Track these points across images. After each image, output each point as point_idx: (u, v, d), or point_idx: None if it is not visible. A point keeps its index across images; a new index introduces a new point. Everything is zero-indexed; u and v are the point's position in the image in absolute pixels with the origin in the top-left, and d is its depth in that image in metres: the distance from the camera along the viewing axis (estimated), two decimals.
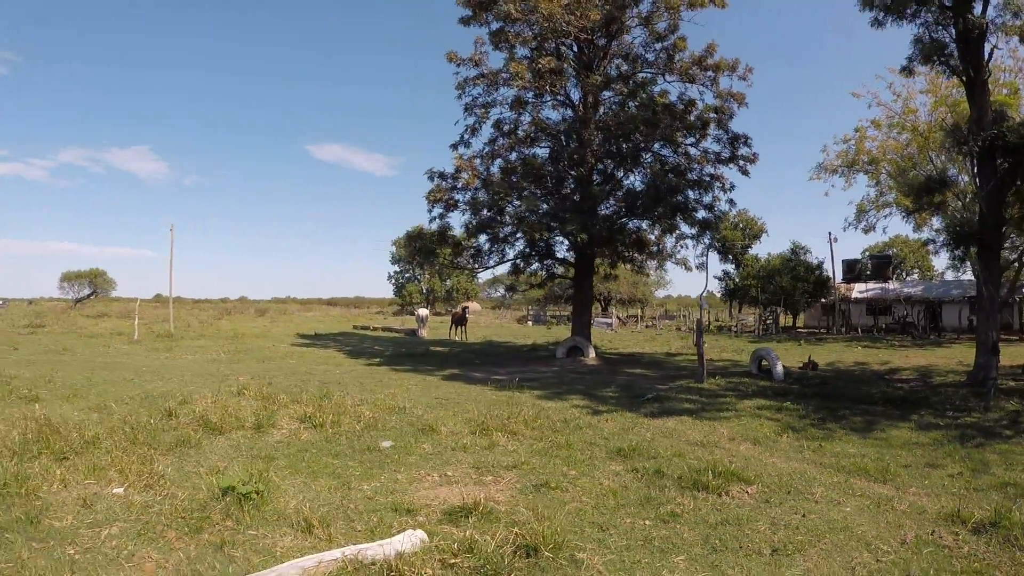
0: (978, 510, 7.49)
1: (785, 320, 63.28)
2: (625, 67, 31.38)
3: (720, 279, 66.73)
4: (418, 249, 33.88)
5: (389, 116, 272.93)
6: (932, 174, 29.11)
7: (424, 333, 47.84)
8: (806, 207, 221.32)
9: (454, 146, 32.11)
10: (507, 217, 30.37)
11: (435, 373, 22.43)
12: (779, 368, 21.22)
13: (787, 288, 55.28)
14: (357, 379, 19.27)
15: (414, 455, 9.60)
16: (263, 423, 11.01)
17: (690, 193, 30.10)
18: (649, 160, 30.59)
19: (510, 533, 6.17)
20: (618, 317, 66.42)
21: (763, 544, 6.52)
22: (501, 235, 30.69)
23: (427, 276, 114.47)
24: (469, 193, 30.60)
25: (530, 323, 69.72)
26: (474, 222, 30.79)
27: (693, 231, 31.01)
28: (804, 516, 7.41)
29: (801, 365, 24.25)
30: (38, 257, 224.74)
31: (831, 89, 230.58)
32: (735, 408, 15.42)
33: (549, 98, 31.10)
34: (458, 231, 32.85)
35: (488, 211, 30.04)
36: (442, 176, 31.52)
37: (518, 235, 30.82)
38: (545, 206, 29.01)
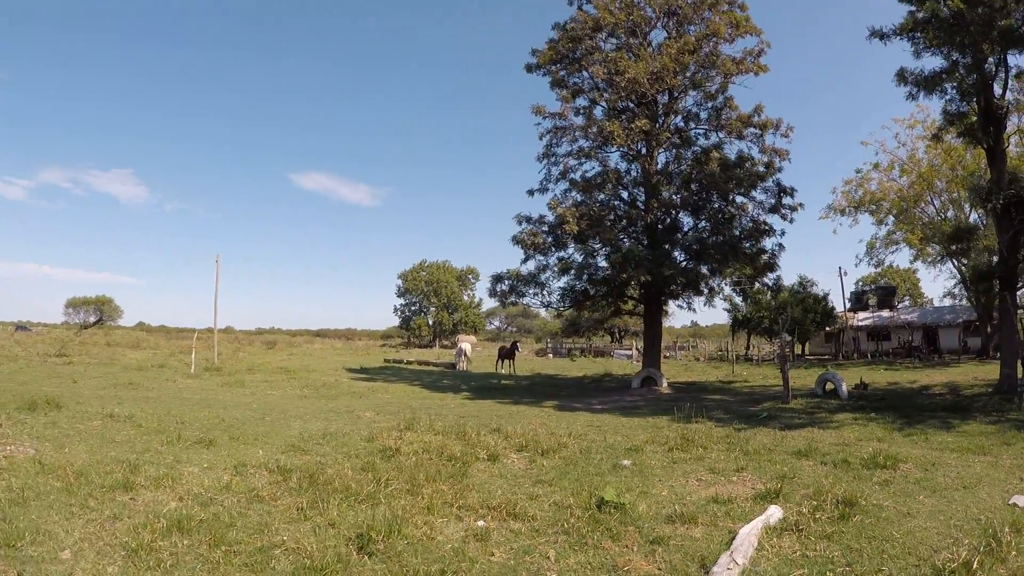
0: None
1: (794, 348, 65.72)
2: (680, 124, 35.04)
3: (729, 311, 68.82)
4: (509, 289, 35.55)
5: (374, 146, 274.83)
6: (960, 223, 32.91)
7: (463, 366, 48.83)
8: (810, 242, 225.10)
9: (531, 192, 35.68)
10: (599, 259, 33.09)
11: (540, 405, 24.36)
12: (843, 389, 24.54)
13: (798, 318, 57.62)
14: (472, 413, 20.42)
15: (649, 470, 11.39)
16: (496, 454, 12.08)
17: (744, 242, 33.22)
18: (715, 208, 33.61)
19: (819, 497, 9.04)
20: (637, 349, 68.24)
21: (954, 488, 9.93)
22: (598, 277, 32.93)
23: (434, 310, 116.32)
24: (566, 237, 32.82)
25: (550, 355, 70.85)
26: (576, 262, 33.51)
27: (749, 273, 33.93)
28: (957, 474, 10.84)
29: (854, 386, 26.78)
30: (14, 279, 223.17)
31: (835, 132, 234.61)
32: (835, 420, 18.52)
33: (614, 150, 34.29)
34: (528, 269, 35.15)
35: (590, 257, 32.97)
36: (529, 220, 34.49)
37: (605, 275, 33.01)
38: (622, 251, 31.40)
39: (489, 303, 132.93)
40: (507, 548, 7.31)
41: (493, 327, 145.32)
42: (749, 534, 7.30)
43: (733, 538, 7.34)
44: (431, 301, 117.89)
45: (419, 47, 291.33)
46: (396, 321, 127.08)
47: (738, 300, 38.51)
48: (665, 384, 31.19)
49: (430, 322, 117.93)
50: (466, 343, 54.86)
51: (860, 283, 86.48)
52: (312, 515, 8.05)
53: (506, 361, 46.65)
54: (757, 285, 36.98)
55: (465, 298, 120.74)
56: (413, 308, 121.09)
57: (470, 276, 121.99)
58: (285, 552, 6.89)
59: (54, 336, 77.13)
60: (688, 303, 36.42)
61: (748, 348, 68.27)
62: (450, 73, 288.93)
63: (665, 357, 62.55)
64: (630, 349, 66.17)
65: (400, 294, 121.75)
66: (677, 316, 56.99)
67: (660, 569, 6.75)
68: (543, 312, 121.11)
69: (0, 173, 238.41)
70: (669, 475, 10.91)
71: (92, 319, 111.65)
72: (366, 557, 6.84)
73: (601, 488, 9.37)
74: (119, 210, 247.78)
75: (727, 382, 35.20)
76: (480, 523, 8.05)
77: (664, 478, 10.65)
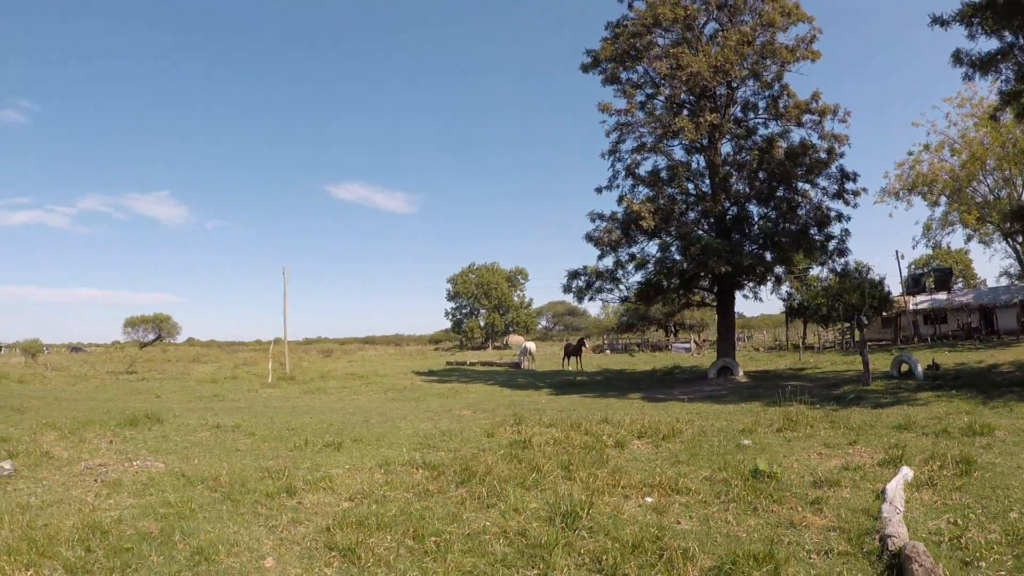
0: None
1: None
2: (739, 114, 35.72)
3: (784, 299, 68.60)
4: (586, 285, 36.25)
5: (407, 154, 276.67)
6: (1017, 201, 33.53)
7: (527, 365, 49.85)
8: (865, 227, 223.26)
9: (599, 189, 36.72)
10: (672, 253, 33.90)
11: (626, 397, 25.21)
12: (919, 370, 25.33)
13: (857, 304, 57.50)
14: (567, 407, 20.88)
15: (769, 447, 12.08)
16: (621, 442, 12.66)
17: (811, 229, 33.86)
18: (780, 196, 34.31)
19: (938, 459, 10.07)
20: (695, 342, 68.87)
21: None
22: (674, 270, 33.57)
23: (485, 312, 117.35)
24: (636, 232, 33.97)
25: (608, 352, 71.50)
26: (652, 256, 34.53)
27: (821, 259, 34.55)
28: None
29: (927, 367, 27.52)
30: (64, 304, 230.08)
31: (882, 114, 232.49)
32: (919, 398, 19.40)
33: (677, 143, 35.14)
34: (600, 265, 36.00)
35: (664, 251, 33.79)
36: (601, 217, 35.44)
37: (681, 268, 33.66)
38: (700, 243, 31.88)
39: (539, 303, 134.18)
40: (688, 517, 7.89)
41: (540, 327, 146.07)
42: (896, 488, 8.15)
43: (883, 492, 8.19)
44: (481, 303, 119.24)
45: (443, 54, 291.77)
46: (446, 325, 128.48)
47: (790, 289, 38.92)
48: (741, 373, 31.88)
49: (481, 324, 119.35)
50: (530, 342, 55.79)
51: (913, 266, 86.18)
52: (493, 502, 8.51)
53: (572, 358, 47.39)
54: (814, 272, 37.52)
55: (515, 299, 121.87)
56: (464, 311, 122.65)
57: (519, 277, 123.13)
58: (494, 536, 7.28)
59: (110, 355, 79.11)
60: (755, 292, 37.02)
61: (805, 336, 68.30)
62: (474, 79, 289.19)
63: None
64: (687, 342, 66.82)
65: (450, 297, 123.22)
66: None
67: (833, 521, 7.52)
68: (598, 310, 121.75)
69: (41, 202, 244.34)
70: (790, 451, 11.63)
71: (151, 337, 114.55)
72: (573, 532, 7.27)
73: (744, 463, 10.21)
74: (161, 231, 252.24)
75: (798, 369, 35.86)
76: (648, 499, 8.63)
77: (787, 453, 11.35)
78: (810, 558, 6.52)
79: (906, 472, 9.12)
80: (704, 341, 73.41)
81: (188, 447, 13.33)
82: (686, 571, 6.10)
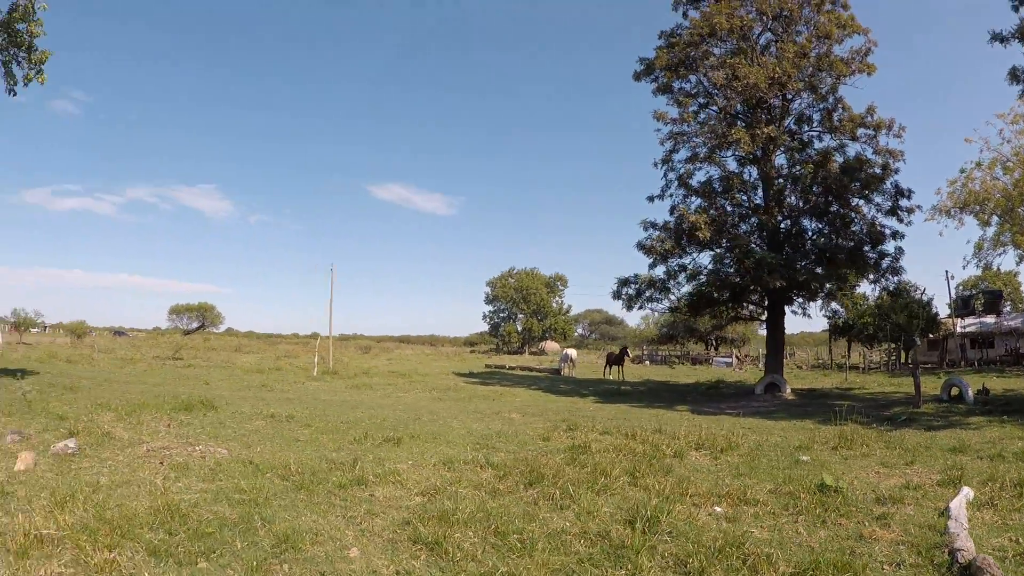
0: None
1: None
2: (793, 126, 35.76)
3: (829, 317, 68.16)
4: (636, 294, 36.44)
5: (447, 156, 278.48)
6: None
7: (568, 372, 50.07)
8: (912, 245, 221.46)
9: (651, 198, 36.95)
10: (727, 265, 33.96)
11: (673, 409, 25.47)
12: (970, 394, 25.15)
13: (905, 325, 57.13)
14: (616, 416, 21.06)
15: (827, 464, 12.15)
16: (680, 452, 12.82)
17: (864, 245, 33.74)
18: (834, 212, 34.24)
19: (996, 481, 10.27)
20: (737, 357, 68.73)
21: None
22: (731, 283, 33.73)
23: (523, 317, 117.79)
24: (686, 242, 34.20)
25: (647, 363, 71.63)
26: (706, 268, 34.72)
27: (872, 276, 34.47)
28: None
29: (977, 392, 27.52)
30: (108, 289, 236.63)
31: (938, 130, 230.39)
32: (971, 422, 19.30)
33: (730, 153, 35.33)
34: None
35: (719, 262, 33.93)
36: (654, 225, 35.68)
37: (733, 281, 33.83)
38: (755, 256, 31.89)
39: (576, 310, 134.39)
40: (759, 527, 8.04)
41: (576, 334, 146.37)
42: (960, 506, 8.38)
43: (947, 509, 8.38)
44: (520, 308, 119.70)
45: (486, 58, 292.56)
46: (482, 327, 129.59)
47: (839, 307, 38.97)
48: (788, 390, 31.85)
49: (519, 328, 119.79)
50: (571, 349, 56.03)
51: (961, 287, 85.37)
52: (567, 504, 8.72)
53: (614, 367, 47.57)
54: (860, 290, 37.38)
55: (554, 305, 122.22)
56: (502, 315, 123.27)
57: (558, 283, 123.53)
58: (575, 536, 7.46)
59: (155, 340, 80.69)
60: (803, 309, 36.86)
61: (849, 356, 67.75)
62: (517, 85, 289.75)
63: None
64: (729, 356, 66.73)
65: (488, 301, 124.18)
66: (763, 326, 56.29)
67: (901, 535, 7.74)
68: (638, 320, 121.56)
69: (90, 190, 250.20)
70: (848, 468, 11.77)
71: (194, 325, 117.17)
72: (654, 536, 7.44)
73: (807, 478, 10.38)
74: (205, 223, 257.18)
75: (845, 389, 35.72)
76: (717, 508, 8.78)
77: (846, 471, 11.46)
78: (883, 568, 6.77)
79: (967, 492, 9.39)
80: (746, 356, 73.13)
81: (246, 435, 13.73)
82: (768, 575, 6.40)
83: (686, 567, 6.63)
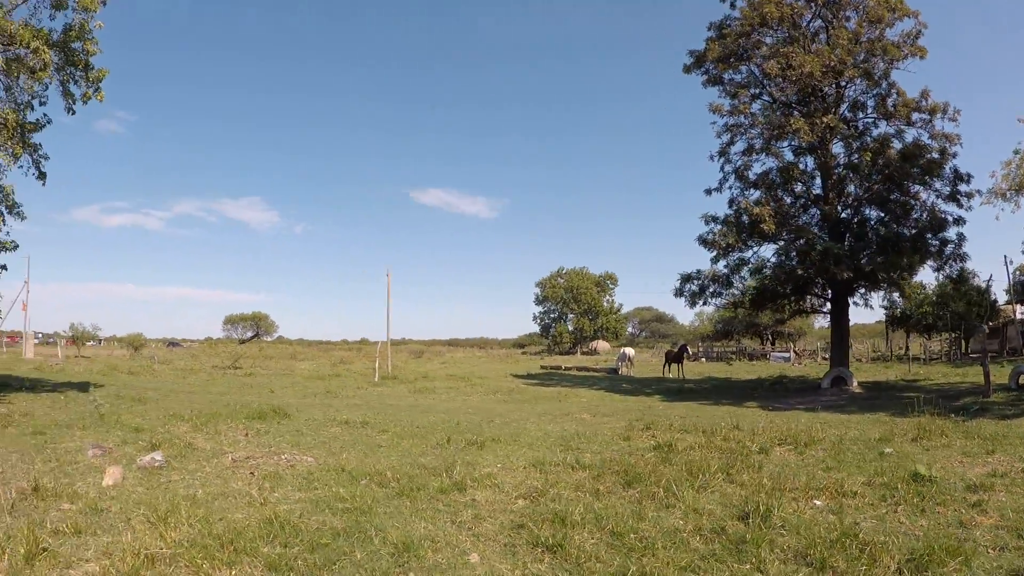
0: None
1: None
2: (848, 113, 35.54)
3: (886, 308, 67.11)
4: (699, 290, 36.70)
5: (487, 159, 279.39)
6: None
7: (626, 371, 50.23)
8: (970, 231, 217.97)
9: (708, 191, 37.22)
10: (791, 258, 34.07)
11: (743, 405, 25.63)
12: None
13: (964, 313, 56.24)
14: (687, 414, 21.38)
15: (910, 455, 12.33)
16: (764, 448, 13.07)
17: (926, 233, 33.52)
18: (894, 199, 34.07)
19: None
20: (795, 351, 68.40)
21: None
22: (796, 275, 33.88)
23: (573, 316, 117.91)
24: (746, 236, 34.33)
25: (703, 359, 71.46)
26: (772, 262, 34.99)
27: (935, 264, 34.15)
28: None
29: None
30: (158, 301, 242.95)
31: (992, 111, 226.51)
32: None
33: (786, 144, 35.33)
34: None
35: (784, 255, 34.18)
36: (715, 219, 35.83)
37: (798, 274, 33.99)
38: (820, 247, 31.83)
39: (626, 308, 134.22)
40: (863, 518, 8.29)
41: (627, 333, 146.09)
42: None
43: None
44: (570, 308, 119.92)
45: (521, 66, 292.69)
46: (530, 328, 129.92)
47: (898, 297, 38.57)
48: (855, 383, 31.78)
49: (570, 328, 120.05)
50: (629, 348, 56.12)
51: (1018, 272, 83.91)
52: (671, 503, 8.93)
53: (673, 365, 47.64)
54: (917, 279, 37.07)
55: (604, 304, 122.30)
56: (552, 315, 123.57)
57: (608, 282, 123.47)
58: (690, 534, 7.66)
59: (212, 350, 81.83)
60: (866, 300, 36.78)
61: (908, 347, 66.83)
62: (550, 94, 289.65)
63: (823, 359, 62.42)
64: (786, 351, 66.46)
65: (538, 301, 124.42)
66: (818, 318, 55.74)
67: (999, 521, 8.02)
68: (692, 316, 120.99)
69: (139, 206, 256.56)
70: (932, 458, 11.94)
71: (248, 334, 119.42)
72: (769, 530, 7.67)
73: (898, 469, 10.68)
74: (251, 234, 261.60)
75: (911, 380, 35.50)
76: (817, 502, 9.00)
77: (930, 461, 11.58)
78: (988, 552, 7.08)
79: None
80: (803, 351, 72.63)
81: (326, 442, 14.12)
82: (886, 562, 6.68)
83: (807, 558, 6.91)
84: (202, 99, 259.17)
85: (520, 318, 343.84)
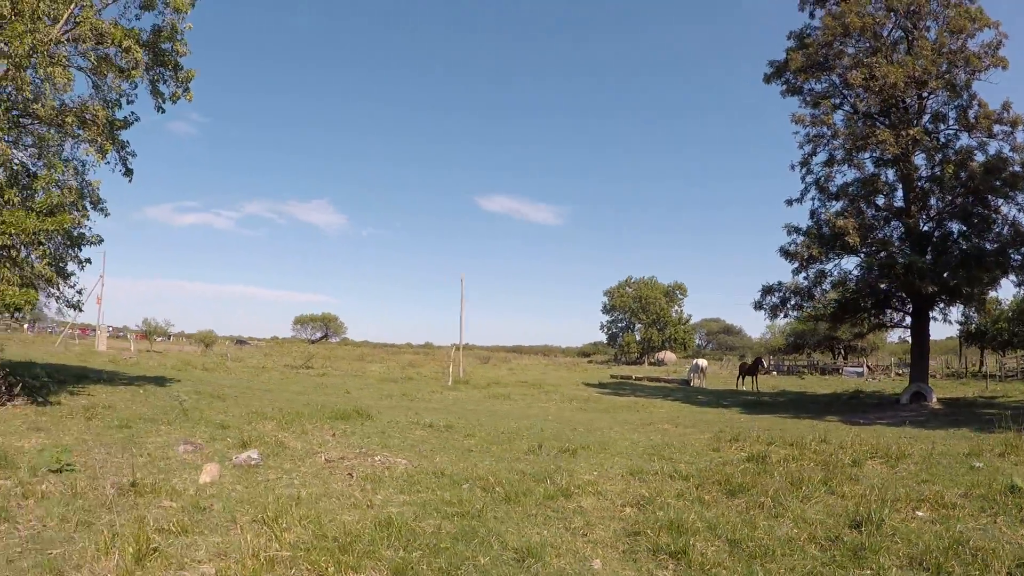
0: None
1: None
2: (929, 125, 35.15)
3: (961, 324, 65.40)
4: (780, 302, 36.82)
5: (555, 167, 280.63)
6: None
7: (697, 382, 50.16)
8: None
9: (789, 202, 37.23)
10: (873, 271, 33.72)
11: (823, 419, 25.64)
12: None
13: None
14: (769, 427, 20.99)
15: (1000, 469, 12.29)
16: (857, 460, 13.24)
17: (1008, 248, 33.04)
18: (977, 213, 33.70)
19: None
20: (868, 366, 67.60)
21: None
22: (878, 289, 33.98)
23: (641, 327, 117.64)
24: (825, 249, 34.25)
25: (774, 372, 70.95)
26: (854, 276, 34.88)
27: (1017, 279, 33.58)
28: None
29: None
30: (226, 299, 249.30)
31: None
32: None
33: (868, 155, 35.20)
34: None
35: (868, 269, 33.86)
36: (797, 230, 35.90)
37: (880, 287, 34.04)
38: (905, 260, 31.60)
39: (695, 319, 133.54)
40: (964, 527, 8.43)
41: (695, 344, 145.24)
42: None
43: None
44: (639, 318, 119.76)
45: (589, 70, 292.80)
46: (596, 337, 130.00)
47: (974, 313, 38.04)
48: (935, 399, 31.62)
49: (638, 338, 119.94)
50: (702, 360, 56.05)
51: None
52: (780, 512, 9.14)
53: (747, 377, 47.67)
54: (993, 295, 36.52)
55: (673, 314, 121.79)
56: (620, 325, 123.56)
57: (677, 292, 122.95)
58: (805, 542, 7.90)
59: (282, 349, 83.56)
60: (944, 315, 36.31)
61: (983, 363, 65.49)
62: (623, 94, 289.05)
63: (897, 374, 61.72)
64: (859, 366, 65.81)
65: (606, 310, 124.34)
66: (890, 333, 54.48)
67: None
68: (763, 329, 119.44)
69: (209, 206, 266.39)
70: (1022, 473, 11.81)
71: (317, 335, 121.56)
72: (882, 538, 7.89)
73: (994, 481, 10.79)
74: (319, 236, 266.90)
75: (989, 397, 35.08)
76: (919, 512, 9.20)
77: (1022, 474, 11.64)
78: None
79: None
80: (876, 366, 71.71)
81: (414, 445, 14.44)
82: (997, 568, 7.02)
83: (922, 564, 7.23)
84: (271, 104, 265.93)
85: (583, 327, 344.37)
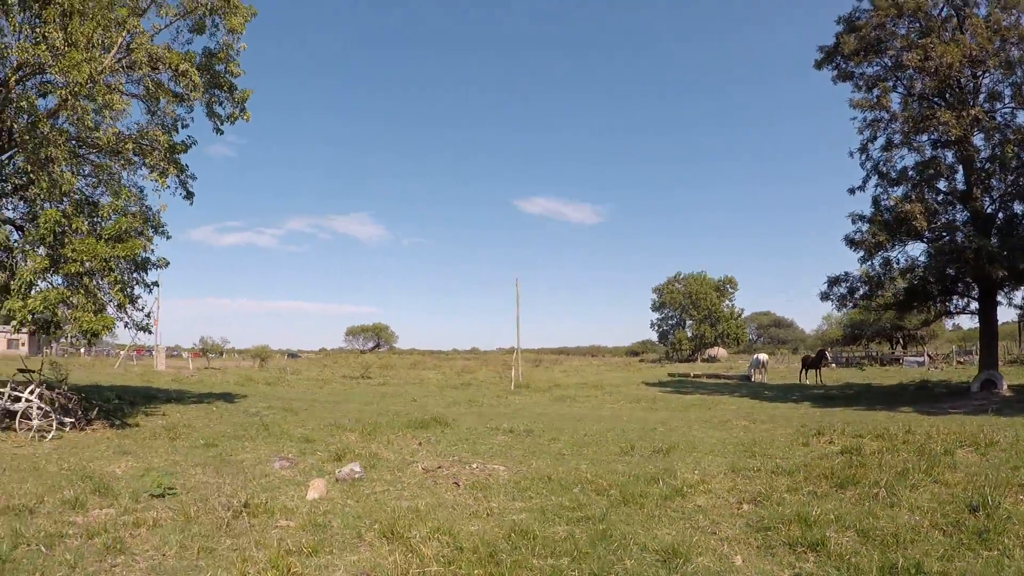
0: None
1: None
2: (985, 104, 34.35)
3: (1021, 309, 64.41)
4: (848, 292, 36.50)
5: (592, 163, 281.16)
6: None
7: (758, 378, 50.06)
8: None
9: (851, 190, 36.83)
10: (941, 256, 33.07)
11: (896, 410, 25.28)
12: None
13: None
14: (846, 420, 20.34)
15: None
16: (948, 450, 12.82)
17: None
18: None
19: None
20: (929, 355, 67.03)
21: None
22: (947, 275, 33.47)
23: (692, 323, 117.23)
24: (886, 234, 33.66)
25: (833, 365, 70.45)
26: (923, 263, 34.42)
27: None
28: None
29: None
30: (274, 314, 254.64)
31: None
32: None
33: (925, 138, 34.71)
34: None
35: (938, 254, 33.00)
36: (862, 218, 35.53)
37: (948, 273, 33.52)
38: (975, 244, 30.87)
39: (747, 312, 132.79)
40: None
41: (746, 339, 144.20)
42: None
43: None
44: (689, 314, 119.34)
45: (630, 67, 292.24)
46: (644, 336, 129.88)
47: None
48: (1006, 387, 31.19)
49: (689, 335, 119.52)
50: (763, 354, 55.94)
51: None
52: (894, 501, 9.19)
53: (810, 371, 47.44)
54: None
55: (724, 309, 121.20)
56: (671, 322, 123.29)
57: (728, 286, 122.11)
58: (928, 528, 8.00)
59: (337, 361, 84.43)
60: (1009, 299, 35.58)
61: None
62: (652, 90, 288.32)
63: (959, 362, 60.81)
64: (920, 355, 65.32)
65: (655, 308, 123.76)
66: (948, 320, 53.28)
67: None
68: (819, 320, 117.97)
69: (251, 225, 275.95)
70: None
71: (369, 345, 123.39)
72: (1000, 521, 7.97)
73: None
74: (361, 248, 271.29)
75: None
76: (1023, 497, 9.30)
77: None
78: None
79: None
80: (937, 354, 71.05)
81: (502, 451, 14.53)
82: None
83: None
84: (302, 124, 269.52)
85: (630, 325, 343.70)
